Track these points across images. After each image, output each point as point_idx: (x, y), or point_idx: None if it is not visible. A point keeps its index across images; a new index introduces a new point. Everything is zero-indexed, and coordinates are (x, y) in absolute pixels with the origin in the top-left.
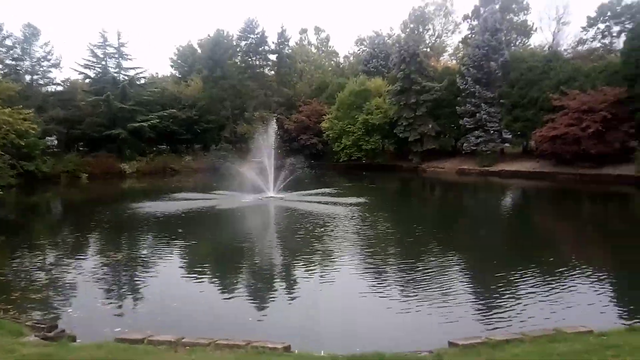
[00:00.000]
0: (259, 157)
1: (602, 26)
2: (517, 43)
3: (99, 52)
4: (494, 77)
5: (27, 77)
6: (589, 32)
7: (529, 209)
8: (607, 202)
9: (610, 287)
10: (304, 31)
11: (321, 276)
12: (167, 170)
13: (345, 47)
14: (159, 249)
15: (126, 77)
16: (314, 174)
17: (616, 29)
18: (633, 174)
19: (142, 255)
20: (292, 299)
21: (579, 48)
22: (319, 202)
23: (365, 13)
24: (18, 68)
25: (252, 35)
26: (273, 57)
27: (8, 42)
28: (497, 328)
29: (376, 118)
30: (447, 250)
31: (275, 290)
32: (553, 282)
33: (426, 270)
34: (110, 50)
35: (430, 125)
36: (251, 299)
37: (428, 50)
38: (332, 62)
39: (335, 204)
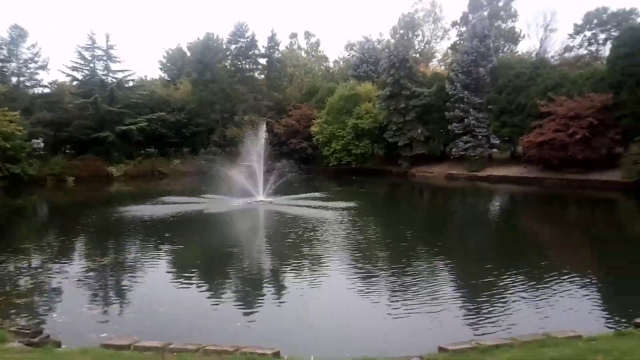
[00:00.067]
0: (249, 160)
1: (588, 34)
2: (505, 50)
3: (87, 54)
4: (482, 83)
5: (14, 79)
6: (575, 40)
7: (516, 214)
8: (593, 207)
9: (597, 292)
10: (294, 35)
11: (310, 281)
12: (155, 173)
13: (335, 52)
14: (146, 254)
15: (114, 80)
16: (304, 178)
17: (602, 36)
18: (619, 180)
19: (129, 260)
20: (281, 304)
21: (566, 55)
22: (309, 206)
23: (355, 18)
24: (4, 70)
25: (242, 39)
26: (263, 61)
27: None
28: (486, 333)
29: (366, 123)
30: (436, 255)
31: (264, 295)
32: (541, 287)
33: (415, 275)
34: (99, 52)
35: (419, 130)
36: (240, 304)
37: (417, 55)
38: (322, 66)
39: (324, 208)
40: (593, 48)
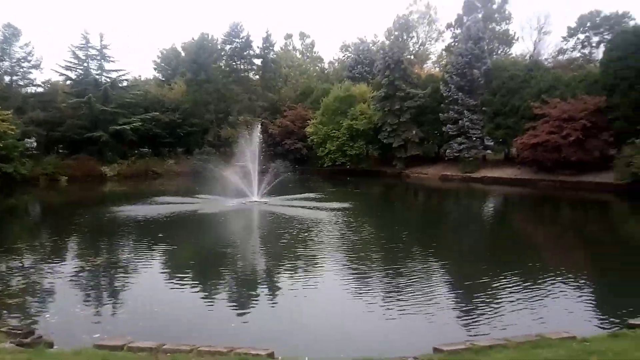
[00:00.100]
0: (243, 161)
1: (581, 36)
2: (499, 52)
3: (80, 54)
4: (476, 85)
5: (7, 78)
6: (569, 42)
7: (510, 215)
8: (586, 209)
9: (591, 293)
10: (289, 36)
11: (305, 282)
12: (149, 173)
13: (330, 53)
14: (139, 254)
15: (108, 79)
16: (298, 179)
17: (595, 39)
18: (612, 182)
19: (123, 260)
20: (276, 304)
21: (560, 57)
22: (303, 207)
23: (350, 20)
24: None
25: (237, 40)
26: (258, 61)
27: None
28: (480, 334)
29: (360, 124)
30: (431, 256)
31: (259, 296)
32: (535, 288)
33: (410, 276)
34: (93, 51)
35: (414, 132)
36: (234, 305)
37: (412, 57)
38: (317, 67)
39: (319, 208)
40: (586, 51)
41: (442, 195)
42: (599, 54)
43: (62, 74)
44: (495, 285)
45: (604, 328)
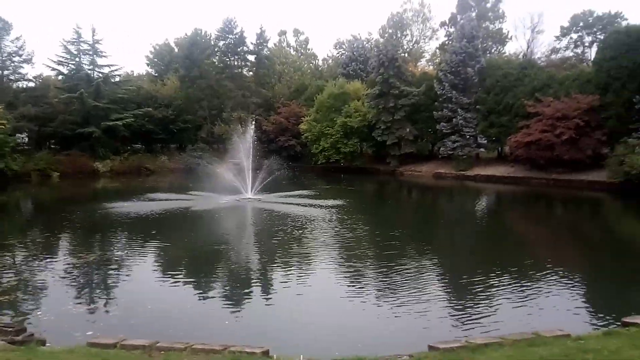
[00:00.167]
0: (237, 158)
1: (574, 36)
2: (493, 50)
3: (72, 49)
4: (470, 83)
5: None
6: (562, 42)
7: (504, 213)
8: (580, 207)
9: (585, 291)
10: (283, 33)
11: (299, 279)
12: (142, 170)
13: (324, 50)
14: (132, 251)
15: (100, 75)
16: (292, 176)
17: (588, 39)
18: (604, 180)
19: (115, 257)
20: (270, 302)
21: (553, 57)
22: (298, 204)
23: (344, 17)
24: None
25: (230, 36)
26: (251, 57)
27: None
28: (476, 332)
29: (355, 121)
30: (425, 253)
31: (253, 293)
32: (530, 286)
33: (404, 274)
34: (85, 46)
35: (408, 129)
36: (228, 302)
37: (406, 55)
38: (311, 64)
39: (313, 206)
40: (579, 50)
41: (436, 193)
42: (592, 53)
43: (53, 69)
44: (489, 283)
45: (598, 326)
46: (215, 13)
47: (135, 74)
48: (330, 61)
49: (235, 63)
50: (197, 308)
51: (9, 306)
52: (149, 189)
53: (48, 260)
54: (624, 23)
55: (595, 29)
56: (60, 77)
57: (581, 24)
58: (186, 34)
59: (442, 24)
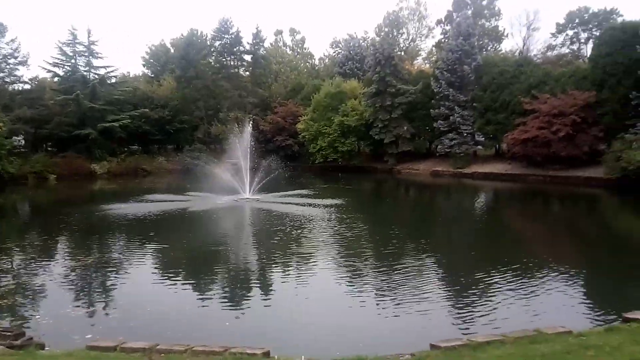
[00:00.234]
0: (234, 158)
1: (570, 33)
2: (489, 48)
3: (68, 50)
4: (467, 81)
5: None
6: (557, 39)
7: (502, 210)
8: (577, 203)
9: (585, 288)
10: (279, 32)
11: (299, 279)
12: (139, 171)
13: (320, 49)
14: (131, 253)
15: (96, 76)
16: (290, 176)
17: (584, 35)
18: (601, 177)
19: (114, 259)
20: (270, 302)
21: (549, 54)
22: (296, 204)
23: (340, 16)
24: None
25: (226, 36)
26: (248, 57)
27: None
28: (477, 330)
29: (352, 120)
30: (424, 252)
31: (253, 294)
32: (529, 283)
33: (404, 272)
34: (80, 48)
35: (405, 128)
36: (228, 303)
37: (402, 53)
38: (308, 63)
39: (311, 205)
40: (575, 47)
41: (434, 191)
42: (588, 50)
43: (49, 71)
44: (489, 280)
45: (598, 322)
46: (211, 13)
47: (131, 75)
48: (326, 60)
49: (232, 63)
50: (196, 310)
51: (8, 310)
52: (147, 190)
53: (46, 263)
54: (619, 19)
55: (590, 26)
56: (55, 78)
57: (577, 20)
58: (182, 35)
59: (438, 22)
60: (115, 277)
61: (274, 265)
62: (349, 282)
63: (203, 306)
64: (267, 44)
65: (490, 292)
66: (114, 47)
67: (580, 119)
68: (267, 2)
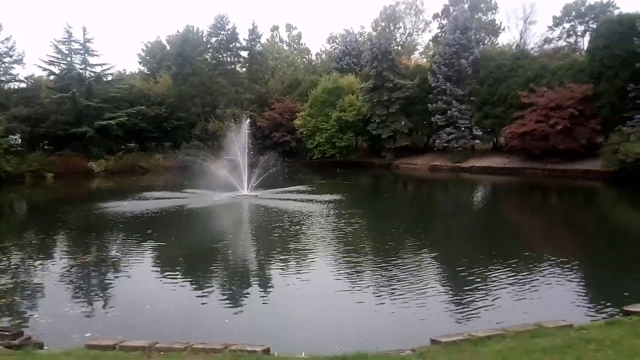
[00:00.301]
0: (232, 154)
1: (567, 25)
2: (486, 42)
3: (63, 48)
4: (464, 75)
5: None
6: (554, 32)
7: (500, 204)
8: (576, 196)
9: (585, 281)
10: (275, 28)
11: (298, 276)
12: (136, 168)
13: (317, 44)
14: (129, 250)
15: (92, 74)
16: (288, 172)
17: (580, 28)
18: (599, 169)
19: (112, 257)
20: (270, 299)
21: (545, 47)
22: (294, 200)
23: (337, 11)
24: None
25: (222, 32)
26: (244, 53)
27: None
28: (478, 324)
29: (349, 115)
30: (423, 247)
31: (252, 291)
32: (529, 277)
33: (403, 267)
34: (76, 46)
35: (402, 123)
36: (227, 301)
37: (399, 48)
38: (304, 59)
39: (310, 201)
40: (572, 40)
41: (432, 185)
42: (584, 43)
43: (45, 69)
44: (489, 274)
45: (599, 315)
46: (207, 10)
47: (127, 73)
48: (323, 56)
49: (228, 59)
50: (195, 307)
51: (6, 309)
52: (144, 187)
53: (44, 262)
54: (616, 12)
55: (587, 18)
56: (51, 77)
57: (573, 13)
58: (178, 31)
59: (435, 16)
60: (114, 275)
61: (272, 262)
62: (348, 277)
63: (202, 304)
64: (263, 40)
65: (489, 286)
66: (109, 44)
67: (577, 111)
68: None
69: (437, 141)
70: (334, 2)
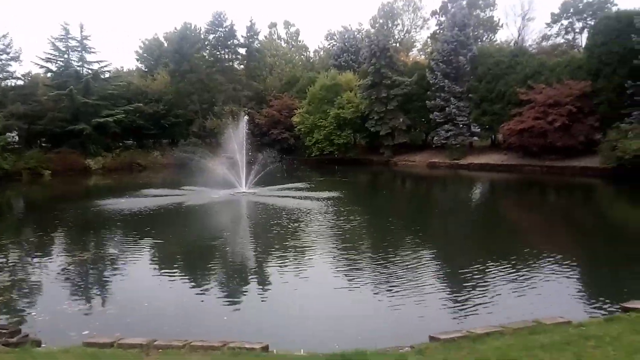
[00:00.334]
0: (230, 152)
1: (565, 22)
2: (484, 39)
3: (60, 45)
4: (462, 72)
5: None
6: (552, 28)
7: (498, 201)
8: (574, 193)
9: (583, 277)
10: (273, 25)
11: (297, 273)
12: (134, 166)
13: (315, 41)
14: (127, 248)
15: (90, 71)
16: (286, 169)
17: (578, 25)
18: (597, 166)
19: (110, 255)
20: (268, 296)
21: (544, 44)
22: (293, 197)
23: (335, 8)
24: None
25: (220, 29)
26: (242, 50)
27: None
28: (474, 320)
29: (348, 112)
30: (422, 244)
31: (250, 288)
32: (527, 274)
33: (401, 264)
34: (73, 43)
35: (401, 119)
36: (226, 298)
37: (397, 45)
38: (302, 56)
39: (308, 198)
40: (570, 37)
41: (430, 182)
42: (582, 39)
43: (42, 67)
44: (488, 271)
45: (598, 312)
46: (205, 7)
47: (124, 70)
48: (321, 53)
49: (226, 56)
50: (193, 305)
51: (3, 307)
52: (142, 185)
53: (42, 259)
54: (614, 9)
55: (585, 15)
56: (48, 74)
57: (571, 10)
58: (176, 28)
59: (433, 13)
60: (112, 272)
61: (271, 259)
62: (346, 274)
63: (200, 301)
64: (261, 37)
65: (488, 283)
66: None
67: (576, 108)
68: None
69: (435, 138)
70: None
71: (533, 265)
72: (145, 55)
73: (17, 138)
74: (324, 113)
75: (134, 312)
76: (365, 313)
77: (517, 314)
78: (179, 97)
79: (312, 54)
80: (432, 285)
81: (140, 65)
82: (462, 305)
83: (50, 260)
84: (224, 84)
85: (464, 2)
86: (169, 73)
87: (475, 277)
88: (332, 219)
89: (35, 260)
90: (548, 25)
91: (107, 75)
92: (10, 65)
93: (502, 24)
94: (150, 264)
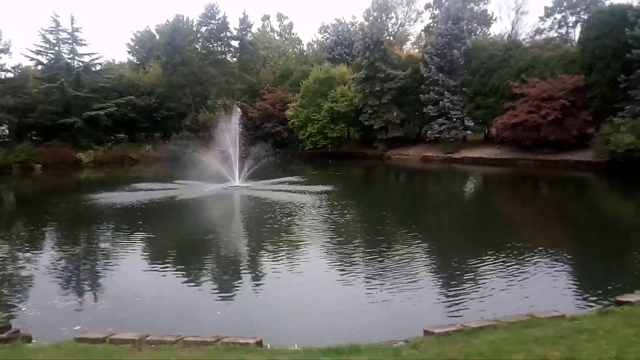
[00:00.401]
0: (223, 145)
1: (558, 16)
2: (478, 32)
3: (51, 38)
4: (456, 66)
5: None
6: (546, 22)
7: (492, 195)
8: (567, 187)
9: (576, 271)
10: (266, 17)
11: (291, 267)
12: (125, 159)
13: (308, 34)
14: (118, 242)
15: (81, 64)
16: (279, 162)
17: (572, 19)
18: (590, 160)
19: (101, 249)
20: (261, 291)
21: (537, 37)
22: (286, 191)
23: (328, 1)
24: None
25: (213, 21)
26: (235, 43)
27: None
28: (469, 314)
29: (341, 106)
30: (415, 238)
31: (244, 283)
32: (521, 268)
33: (395, 258)
34: (64, 35)
35: (395, 113)
36: (219, 293)
37: (391, 38)
38: (296, 49)
39: (302, 192)
40: (563, 30)
41: (424, 176)
42: (576, 33)
43: (32, 59)
44: (481, 266)
45: (591, 306)
46: None
47: (116, 62)
48: (315, 45)
49: (219, 49)
50: (186, 299)
51: None
52: (134, 178)
53: (32, 254)
54: (607, 2)
55: (578, 9)
56: (39, 67)
57: (565, 4)
58: (167, 20)
59: (427, 6)
60: (104, 267)
61: (264, 254)
62: (340, 269)
63: (193, 296)
64: (254, 30)
65: (482, 277)
66: (98, 34)
67: (569, 102)
68: None
69: (429, 132)
70: None
71: (527, 259)
72: (137, 47)
73: (7, 131)
74: (317, 106)
75: (126, 307)
76: (359, 307)
77: (511, 308)
78: (171, 90)
79: (305, 47)
80: (426, 280)
81: (132, 58)
82: (456, 299)
83: (41, 254)
84: (216, 77)
85: None
86: (161, 65)
87: (469, 271)
88: (326, 213)
89: (26, 254)
90: (541, 19)
91: (98, 67)
92: (0, 57)
93: (496, 18)
94: (143, 258)
